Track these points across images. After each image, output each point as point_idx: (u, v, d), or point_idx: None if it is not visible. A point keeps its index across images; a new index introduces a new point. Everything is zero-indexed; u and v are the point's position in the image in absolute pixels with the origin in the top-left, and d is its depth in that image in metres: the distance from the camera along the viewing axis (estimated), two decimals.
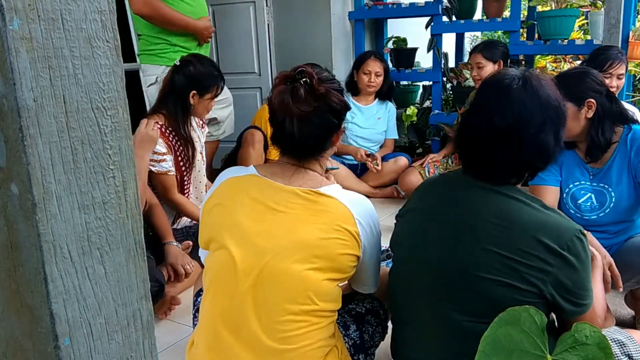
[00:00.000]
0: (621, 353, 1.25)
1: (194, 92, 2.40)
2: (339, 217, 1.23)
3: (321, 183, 1.29)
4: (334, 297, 1.26)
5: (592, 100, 1.76)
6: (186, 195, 2.57)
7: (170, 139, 2.41)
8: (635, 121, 1.87)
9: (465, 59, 4.84)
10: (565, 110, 1.19)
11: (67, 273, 0.63)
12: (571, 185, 1.94)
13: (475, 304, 1.13)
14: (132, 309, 0.71)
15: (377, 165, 3.51)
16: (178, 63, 2.49)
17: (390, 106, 3.84)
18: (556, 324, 1.24)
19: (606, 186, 1.89)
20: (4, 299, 0.66)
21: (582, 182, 1.92)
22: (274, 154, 3.25)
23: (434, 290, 1.20)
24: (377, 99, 3.76)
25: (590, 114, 1.77)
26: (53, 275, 0.62)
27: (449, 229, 1.18)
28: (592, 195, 1.91)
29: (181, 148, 2.45)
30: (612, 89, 2.59)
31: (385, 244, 1.49)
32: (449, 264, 1.16)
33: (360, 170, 3.71)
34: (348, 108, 1.34)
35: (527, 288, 1.10)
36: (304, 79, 1.22)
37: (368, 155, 3.53)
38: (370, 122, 3.71)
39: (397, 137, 3.90)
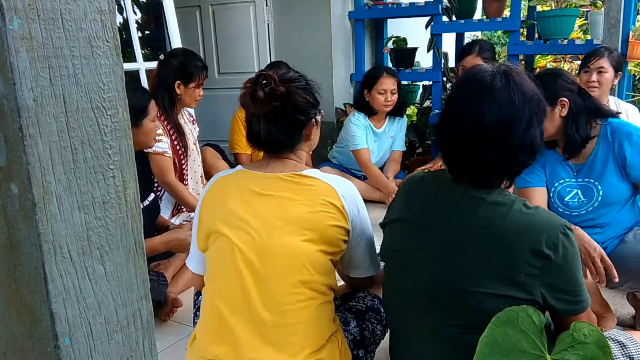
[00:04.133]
0: (622, 355, 1.23)
1: (179, 82, 2.59)
2: (323, 192, 1.32)
3: (302, 168, 1.38)
4: (327, 270, 1.32)
5: (565, 99, 1.80)
6: (185, 184, 2.70)
7: (166, 125, 2.59)
8: (614, 115, 1.88)
9: None
10: (545, 102, 1.19)
11: (67, 273, 0.63)
12: (556, 184, 1.94)
13: (470, 319, 1.13)
14: (132, 309, 0.72)
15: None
16: (162, 57, 2.68)
17: (403, 120, 3.63)
18: (552, 327, 1.23)
19: (592, 180, 1.89)
20: (4, 299, 0.66)
21: (567, 180, 1.93)
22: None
23: (428, 306, 1.19)
24: (387, 117, 3.52)
25: (564, 113, 1.81)
26: (53, 275, 0.62)
27: (439, 244, 1.17)
28: (579, 191, 1.92)
29: (175, 134, 2.64)
30: (592, 84, 2.61)
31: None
32: (442, 282, 1.16)
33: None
34: (316, 104, 1.39)
35: (520, 295, 1.09)
36: (264, 81, 1.30)
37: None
38: (385, 147, 3.58)
39: (404, 149, 3.74)
